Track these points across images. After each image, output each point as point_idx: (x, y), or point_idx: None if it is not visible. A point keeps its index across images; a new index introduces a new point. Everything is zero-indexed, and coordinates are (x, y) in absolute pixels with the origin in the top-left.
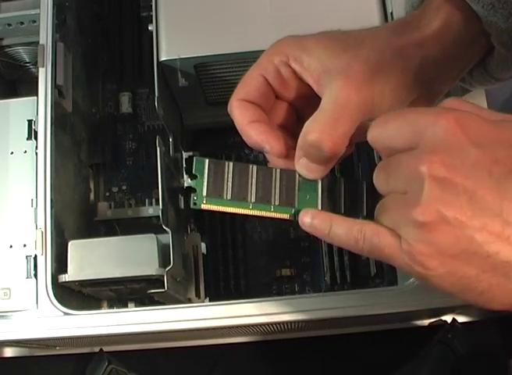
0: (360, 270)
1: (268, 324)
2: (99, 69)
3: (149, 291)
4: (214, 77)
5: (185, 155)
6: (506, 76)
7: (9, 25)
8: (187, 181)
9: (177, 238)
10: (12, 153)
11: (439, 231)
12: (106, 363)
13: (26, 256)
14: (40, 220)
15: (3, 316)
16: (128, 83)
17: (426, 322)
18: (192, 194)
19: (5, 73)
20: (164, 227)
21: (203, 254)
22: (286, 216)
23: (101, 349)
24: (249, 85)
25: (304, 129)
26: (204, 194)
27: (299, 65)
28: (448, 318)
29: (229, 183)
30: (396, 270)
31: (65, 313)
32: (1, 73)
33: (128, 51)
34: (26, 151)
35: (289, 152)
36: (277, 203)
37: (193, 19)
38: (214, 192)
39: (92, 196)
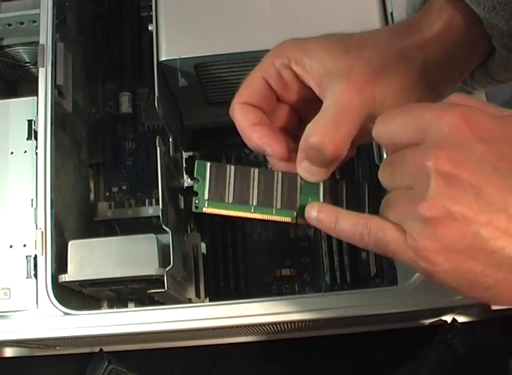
0: (360, 270)
1: (268, 324)
2: (99, 69)
3: (149, 291)
4: (214, 77)
5: (185, 155)
6: (507, 77)
7: (9, 25)
8: (187, 181)
9: (177, 238)
10: (12, 153)
11: (445, 227)
12: (106, 363)
13: (26, 256)
14: (40, 220)
15: (3, 316)
16: (128, 83)
17: (426, 322)
18: (194, 198)
19: (5, 73)
20: (164, 227)
21: (203, 254)
22: (288, 219)
23: (101, 349)
24: (251, 88)
25: (305, 131)
26: (206, 197)
27: (300, 68)
28: (448, 318)
29: (231, 187)
30: (396, 270)
31: (65, 313)
32: (1, 73)
33: (128, 51)
34: (26, 151)
35: (291, 155)
36: (279, 206)
37: (193, 19)
38: (216, 195)
39: (92, 196)
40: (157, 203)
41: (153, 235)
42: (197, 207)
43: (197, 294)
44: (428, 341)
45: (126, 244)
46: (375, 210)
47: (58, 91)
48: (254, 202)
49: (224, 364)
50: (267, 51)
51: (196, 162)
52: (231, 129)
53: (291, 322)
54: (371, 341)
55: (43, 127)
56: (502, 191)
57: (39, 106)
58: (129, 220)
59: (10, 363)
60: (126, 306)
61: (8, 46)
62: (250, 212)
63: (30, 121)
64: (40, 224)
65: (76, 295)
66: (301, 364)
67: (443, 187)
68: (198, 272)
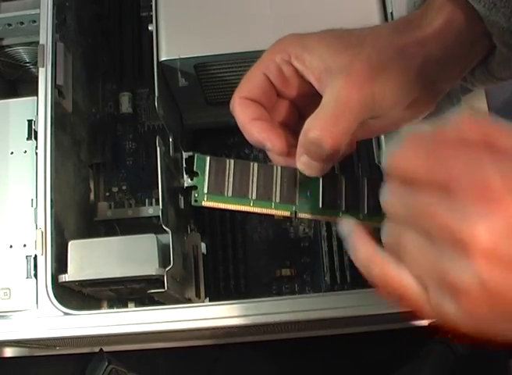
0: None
1: (268, 324)
2: (99, 69)
3: (149, 291)
4: (214, 77)
5: (185, 155)
6: (507, 75)
7: (9, 25)
8: (187, 181)
9: (177, 238)
10: (12, 153)
11: (479, 305)
12: (106, 363)
13: (26, 256)
14: (40, 220)
15: (3, 316)
16: (128, 83)
17: (426, 322)
18: (193, 191)
19: (5, 73)
20: (164, 227)
21: (203, 254)
22: (286, 213)
23: (101, 349)
24: (251, 83)
25: (305, 126)
26: (205, 191)
27: (300, 63)
28: None
29: (230, 181)
30: None
31: (65, 313)
32: (1, 73)
33: (128, 51)
34: (26, 151)
35: (291, 150)
36: (278, 200)
37: (193, 19)
38: (215, 189)
39: (92, 196)
40: (157, 203)
41: (153, 235)
42: (196, 200)
43: (197, 294)
44: (428, 341)
45: (126, 244)
46: (373, 205)
47: (58, 91)
48: (253, 196)
49: (224, 364)
50: None
51: (195, 155)
52: (231, 129)
53: (291, 322)
54: (371, 341)
55: (43, 127)
56: None
57: (39, 106)
58: (129, 220)
59: (10, 363)
60: (126, 306)
61: (8, 46)
62: (250, 205)
63: (30, 121)
64: (40, 224)
65: (76, 295)
66: (301, 364)
67: (484, 268)
68: (198, 272)
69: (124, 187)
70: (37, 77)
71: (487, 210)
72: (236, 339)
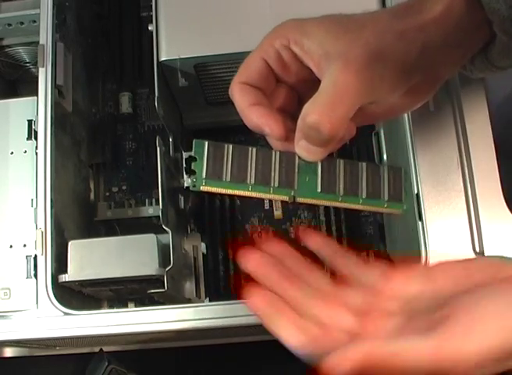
0: None
1: None
2: (99, 69)
3: (149, 291)
4: (214, 77)
5: (185, 155)
6: (507, 64)
7: (9, 25)
8: (187, 181)
9: (177, 238)
10: (12, 153)
11: None
12: (106, 363)
13: (26, 256)
14: (40, 220)
15: (3, 316)
16: (128, 83)
17: None
18: (191, 176)
19: (5, 73)
20: (164, 227)
21: (203, 254)
22: (285, 198)
23: (101, 349)
24: (250, 68)
25: (303, 111)
26: (204, 176)
27: (299, 48)
28: None
29: (229, 165)
30: None
31: (65, 313)
32: (1, 73)
33: (128, 51)
34: (26, 151)
35: (290, 135)
36: (276, 185)
37: (193, 19)
38: (213, 174)
39: (92, 196)
40: (157, 203)
41: (153, 235)
42: (194, 185)
43: (197, 294)
44: None
45: (126, 244)
46: (372, 189)
47: (58, 91)
48: (252, 181)
49: (224, 364)
50: None
51: (194, 140)
52: (231, 129)
53: None
54: None
55: (43, 127)
56: None
57: (39, 106)
58: (129, 220)
59: (10, 363)
60: (126, 306)
61: (8, 46)
62: (248, 190)
63: (30, 121)
64: (40, 224)
65: (76, 295)
66: (301, 364)
67: None
68: (198, 272)
69: (124, 187)
70: (37, 77)
71: None
72: (237, 339)
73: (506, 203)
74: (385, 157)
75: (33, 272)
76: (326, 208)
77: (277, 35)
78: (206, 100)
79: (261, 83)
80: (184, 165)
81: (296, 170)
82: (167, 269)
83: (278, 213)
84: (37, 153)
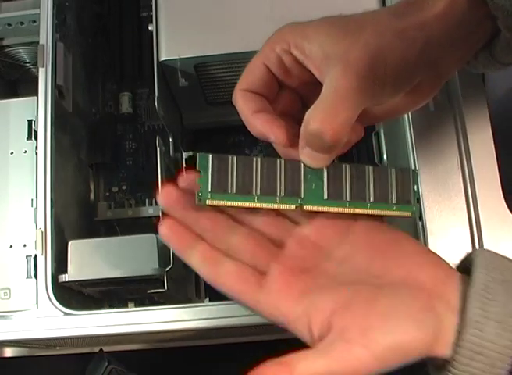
0: None
1: (268, 324)
2: (99, 69)
3: (149, 291)
4: (214, 77)
5: (185, 155)
6: (511, 60)
7: (9, 25)
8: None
9: None
10: (12, 153)
11: None
12: (106, 363)
13: (26, 256)
14: (40, 220)
15: (3, 316)
16: (128, 83)
17: None
18: (196, 191)
19: (5, 73)
20: None
21: None
22: (292, 207)
23: (101, 349)
24: (252, 75)
25: (305, 118)
26: (209, 189)
27: (300, 52)
28: None
29: (234, 177)
30: None
31: (65, 313)
32: (1, 73)
33: (128, 51)
34: (26, 151)
35: (295, 141)
36: (283, 194)
37: (193, 19)
38: (218, 187)
39: (92, 196)
40: (157, 203)
41: (153, 235)
42: (200, 200)
43: (197, 294)
44: None
45: (126, 244)
46: (379, 194)
47: (58, 91)
48: (258, 192)
49: (224, 364)
50: None
51: (198, 154)
52: (231, 129)
53: None
54: None
55: (43, 127)
56: None
57: (39, 106)
58: (129, 220)
59: (10, 363)
60: (126, 306)
61: (8, 46)
62: (254, 201)
63: (30, 121)
64: (40, 224)
65: (76, 295)
66: None
67: None
68: None
69: (124, 187)
70: (37, 77)
71: None
72: (236, 339)
73: (507, 203)
74: (385, 157)
75: (33, 272)
76: None
77: (277, 40)
78: (206, 100)
79: (264, 89)
80: (184, 165)
81: (302, 178)
82: (167, 269)
83: None
84: (37, 153)
